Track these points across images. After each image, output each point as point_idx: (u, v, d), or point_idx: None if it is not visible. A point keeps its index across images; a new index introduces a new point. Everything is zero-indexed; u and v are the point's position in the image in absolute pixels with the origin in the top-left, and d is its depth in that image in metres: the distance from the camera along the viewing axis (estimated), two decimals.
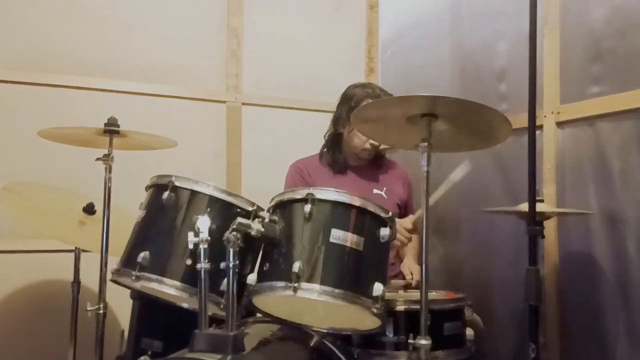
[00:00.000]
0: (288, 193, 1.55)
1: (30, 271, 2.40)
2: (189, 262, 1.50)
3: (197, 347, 1.30)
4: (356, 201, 1.49)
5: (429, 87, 2.73)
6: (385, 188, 2.21)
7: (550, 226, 2.03)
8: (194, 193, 1.59)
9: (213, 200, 1.58)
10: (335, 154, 2.24)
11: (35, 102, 2.43)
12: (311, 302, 1.45)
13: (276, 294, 1.43)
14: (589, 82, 2.02)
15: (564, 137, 2.09)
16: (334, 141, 2.25)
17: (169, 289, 1.51)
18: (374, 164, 2.25)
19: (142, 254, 1.52)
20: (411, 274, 2.05)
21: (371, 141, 2.13)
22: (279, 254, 1.47)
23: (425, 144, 1.48)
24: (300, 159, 2.29)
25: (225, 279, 1.35)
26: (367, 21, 3.17)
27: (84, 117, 2.08)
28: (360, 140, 2.16)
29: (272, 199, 1.59)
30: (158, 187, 1.63)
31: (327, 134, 2.28)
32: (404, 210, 2.25)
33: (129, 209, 1.79)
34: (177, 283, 1.51)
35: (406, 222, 1.93)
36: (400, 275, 2.14)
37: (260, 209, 1.60)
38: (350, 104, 2.15)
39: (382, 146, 2.26)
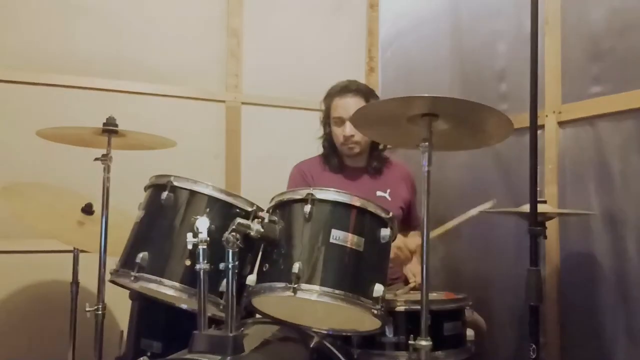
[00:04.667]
0: (288, 193, 1.55)
1: (29, 271, 2.39)
2: (188, 262, 1.50)
3: (196, 347, 1.30)
4: (356, 201, 1.49)
5: (429, 87, 2.73)
6: (389, 190, 2.20)
7: (551, 226, 2.02)
8: (193, 193, 1.58)
9: (212, 200, 1.57)
10: (332, 156, 2.24)
11: (35, 102, 2.42)
12: (311, 303, 1.44)
13: (276, 294, 1.43)
14: (589, 82, 2.01)
15: (565, 137, 2.09)
16: (329, 143, 2.27)
17: (168, 289, 1.50)
18: (377, 166, 2.24)
19: (140, 255, 1.51)
20: (414, 276, 2.04)
21: (346, 132, 2.14)
22: (279, 255, 1.46)
23: (426, 143, 1.48)
24: (303, 161, 2.28)
25: (225, 279, 1.34)
26: (367, 21, 3.17)
27: (83, 117, 2.08)
28: (336, 136, 2.19)
29: (272, 199, 1.58)
30: (157, 187, 1.63)
31: (322, 136, 2.29)
32: (407, 211, 2.24)
33: (128, 209, 1.78)
34: (176, 284, 1.50)
35: (411, 244, 1.92)
36: (401, 278, 2.13)
37: (259, 209, 1.60)
38: (323, 106, 2.24)
39: (386, 145, 2.26)
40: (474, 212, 1.82)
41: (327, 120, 2.24)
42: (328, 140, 2.27)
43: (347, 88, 2.19)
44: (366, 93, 2.19)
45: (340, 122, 2.17)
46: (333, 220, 1.47)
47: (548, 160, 2.10)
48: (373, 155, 2.24)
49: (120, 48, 2.59)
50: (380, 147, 2.25)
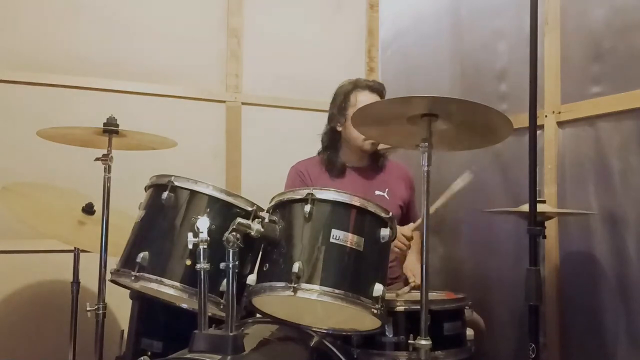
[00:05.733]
0: (288, 193, 1.55)
1: (30, 271, 2.39)
2: (188, 262, 1.50)
3: (196, 347, 1.30)
4: (356, 201, 1.49)
5: (429, 87, 2.73)
6: (387, 189, 2.20)
7: (551, 226, 2.03)
8: (193, 193, 1.59)
9: (212, 200, 1.58)
10: (331, 154, 2.20)
11: (35, 102, 2.43)
12: (311, 303, 1.45)
13: (276, 294, 1.43)
14: (589, 82, 2.02)
15: (564, 137, 2.09)
16: (331, 140, 2.22)
17: (168, 289, 1.50)
18: (376, 165, 2.25)
19: (141, 254, 1.51)
20: (414, 275, 2.04)
21: None
22: (279, 254, 1.46)
23: (426, 143, 1.48)
24: (300, 161, 2.26)
25: (225, 279, 1.35)
26: (367, 21, 3.17)
27: (83, 117, 2.08)
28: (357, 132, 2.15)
29: (272, 199, 1.58)
30: (157, 187, 1.63)
31: (323, 133, 2.25)
32: (406, 210, 2.24)
33: (129, 209, 1.78)
34: (177, 283, 1.50)
35: (406, 230, 1.91)
36: (400, 277, 2.13)
37: (260, 209, 1.60)
38: (340, 97, 2.17)
39: (382, 146, 2.26)
40: (455, 187, 1.81)
41: (343, 112, 2.15)
42: (333, 138, 2.22)
43: (376, 88, 2.16)
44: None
45: None
46: (333, 220, 1.47)
47: (547, 160, 2.10)
48: (373, 156, 2.24)
49: (120, 48, 2.60)
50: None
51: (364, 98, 2.12)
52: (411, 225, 1.95)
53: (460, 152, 2.47)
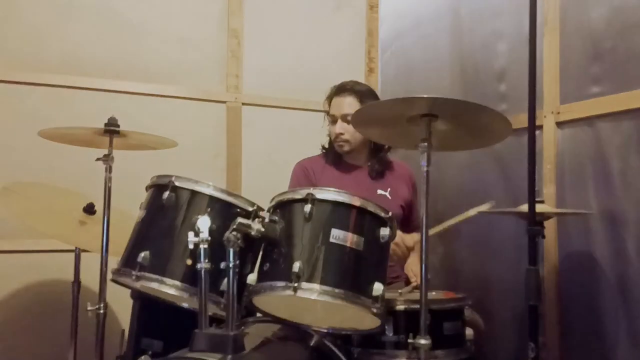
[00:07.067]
0: (288, 193, 1.56)
1: (30, 271, 2.40)
2: (189, 262, 1.50)
3: (197, 347, 1.31)
4: (356, 201, 1.50)
5: (429, 87, 2.74)
6: (389, 189, 2.21)
7: (550, 226, 2.03)
8: (194, 193, 1.59)
9: (213, 200, 1.58)
10: (332, 154, 2.26)
11: (35, 102, 2.43)
12: (311, 302, 1.45)
13: (276, 293, 1.43)
14: (589, 82, 2.02)
15: (563, 137, 2.10)
16: (331, 146, 2.30)
17: (169, 288, 1.51)
18: (379, 165, 2.25)
19: (142, 254, 1.52)
20: (415, 275, 2.04)
21: (335, 130, 2.18)
22: (279, 254, 1.47)
23: (426, 143, 1.48)
24: (305, 158, 2.30)
25: (226, 278, 1.35)
26: (367, 21, 3.18)
27: (84, 117, 2.08)
28: (331, 134, 2.24)
29: (272, 199, 1.59)
30: (158, 187, 1.63)
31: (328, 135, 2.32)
32: (407, 211, 2.24)
33: (129, 209, 1.79)
34: (177, 283, 1.51)
35: (408, 240, 1.92)
36: (401, 277, 2.13)
37: (260, 209, 1.60)
38: (326, 102, 2.27)
39: (389, 147, 2.27)
40: (472, 212, 1.84)
41: (328, 121, 2.27)
42: (330, 142, 2.29)
43: (343, 87, 2.22)
44: (361, 92, 2.19)
45: (334, 119, 2.21)
46: (333, 220, 1.47)
47: (546, 161, 2.11)
48: (375, 157, 2.25)
49: (121, 48, 2.60)
50: (385, 147, 2.26)
51: (333, 102, 2.23)
52: (415, 236, 1.97)
53: (460, 152, 2.47)
